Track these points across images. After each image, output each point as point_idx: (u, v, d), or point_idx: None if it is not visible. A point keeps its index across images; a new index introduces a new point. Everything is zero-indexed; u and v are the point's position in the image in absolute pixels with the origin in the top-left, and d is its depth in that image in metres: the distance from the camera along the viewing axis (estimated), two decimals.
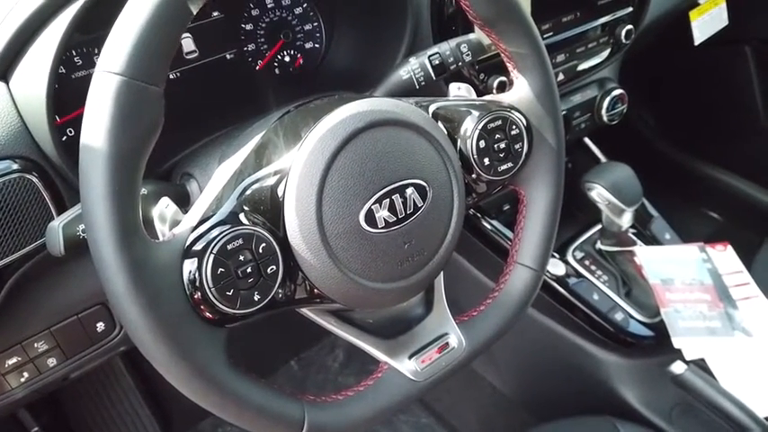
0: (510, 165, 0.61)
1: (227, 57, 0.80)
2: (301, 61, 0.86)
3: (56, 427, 1.10)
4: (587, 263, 0.98)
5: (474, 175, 0.60)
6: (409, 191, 0.52)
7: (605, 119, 1.00)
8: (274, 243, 0.48)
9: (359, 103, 0.52)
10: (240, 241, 0.47)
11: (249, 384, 0.48)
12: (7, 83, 0.57)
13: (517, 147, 0.61)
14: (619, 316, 0.93)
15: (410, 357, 0.57)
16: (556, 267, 0.96)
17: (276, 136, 0.54)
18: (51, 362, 0.65)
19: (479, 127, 0.59)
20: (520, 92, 0.62)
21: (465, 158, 0.59)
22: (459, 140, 0.59)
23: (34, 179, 0.54)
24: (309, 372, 1.44)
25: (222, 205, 0.48)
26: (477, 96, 0.64)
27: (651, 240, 1.03)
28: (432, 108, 0.59)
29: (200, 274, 0.45)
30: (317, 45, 0.87)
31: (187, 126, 0.65)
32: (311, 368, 1.45)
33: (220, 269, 0.46)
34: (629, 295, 0.96)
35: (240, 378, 0.48)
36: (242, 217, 0.48)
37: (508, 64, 0.62)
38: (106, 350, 0.70)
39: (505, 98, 0.62)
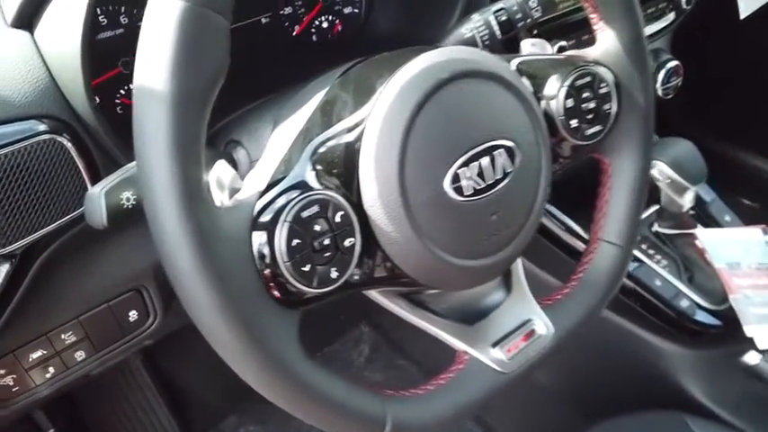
0: (599, 128, 0.54)
1: (263, 21, 0.73)
2: (340, 27, 0.80)
3: (72, 429, 1.03)
4: (644, 247, 0.92)
5: (558, 140, 0.53)
6: (498, 153, 0.45)
7: (660, 92, 0.93)
8: (351, 211, 0.42)
9: (440, 51, 0.46)
10: (316, 208, 0.40)
11: (326, 377, 0.42)
12: (32, 33, 0.50)
13: (606, 108, 0.54)
14: (684, 303, 0.86)
15: (493, 346, 0.51)
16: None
17: (344, 91, 0.47)
18: (79, 355, 0.59)
19: (567, 84, 0.52)
20: (606, 45, 0.55)
21: (549, 120, 0.52)
22: (542, 100, 0.53)
23: (66, 142, 0.47)
24: (333, 368, 1.37)
25: (292, 167, 0.42)
26: None
27: (710, 222, 0.96)
28: (514, 63, 0.53)
29: (271, 247, 0.39)
30: (356, 10, 0.80)
31: (225, 92, 0.58)
32: (335, 364, 1.38)
33: (295, 240, 0.39)
34: (691, 281, 0.90)
35: (316, 370, 0.41)
36: (313, 180, 0.42)
37: (592, 16, 0.55)
38: (136, 342, 0.63)
39: (590, 53, 0.56)
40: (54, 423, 0.94)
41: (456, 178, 0.44)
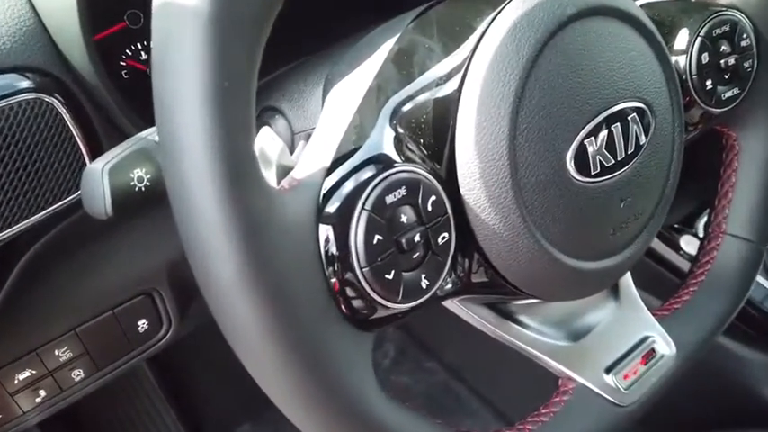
0: (736, 91, 0.43)
1: None
2: None
3: None
4: None
5: (685, 106, 0.42)
6: (632, 119, 0.34)
7: None
8: (444, 195, 0.30)
9: None
10: (403, 191, 0.29)
11: (410, 420, 0.31)
12: None
13: (747, 66, 0.43)
14: None
15: (607, 372, 0.40)
16: (689, 245, 0.78)
17: (425, 35, 0.36)
18: (77, 374, 0.48)
19: (702, 33, 0.41)
20: None
21: (679, 78, 0.41)
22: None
23: (57, 104, 0.35)
24: None
25: (367, 135, 0.30)
26: None
27: None
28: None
29: (343, 246, 0.27)
30: None
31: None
32: None
33: (377, 236, 0.28)
34: None
35: (400, 411, 0.30)
36: (393, 152, 0.30)
37: None
38: (146, 356, 0.53)
39: None
40: None
41: (581, 152, 0.33)
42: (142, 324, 0.50)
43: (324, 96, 0.39)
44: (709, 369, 0.83)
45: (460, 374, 1.21)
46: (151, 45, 0.24)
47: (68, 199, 0.37)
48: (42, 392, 0.47)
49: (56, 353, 0.46)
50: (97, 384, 0.51)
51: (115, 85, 0.39)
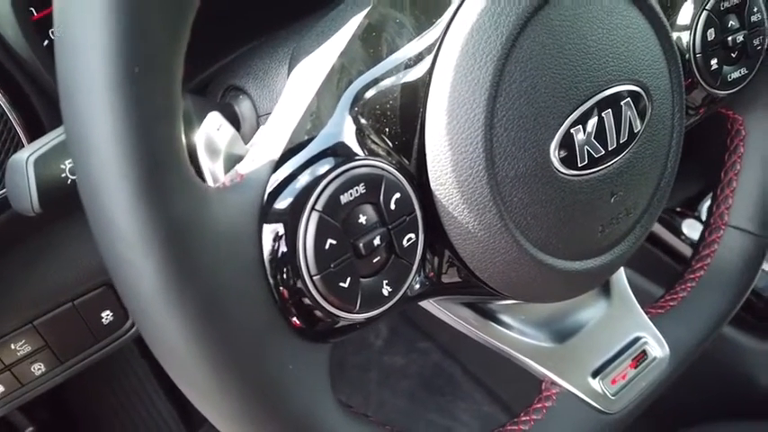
0: (744, 71, 0.39)
1: None
2: None
3: (56, 424, 0.91)
4: None
5: (687, 87, 0.38)
6: (625, 104, 0.31)
7: None
8: (411, 191, 0.27)
9: None
10: (361, 188, 0.26)
11: None
12: None
13: (756, 43, 0.39)
14: None
15: (594, 376, 0.37)
16: (691, 229, 0.75)
17: (395, 8, 0.32)
18: (38, 368, 0.46)
19: (708, 7, 0.37)
20: None
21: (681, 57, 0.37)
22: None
23: None
24: (347, 351, 1.25)
25: (323, 123, 0.27)
26: None
27: None
28: None
29: (292, 251, 0.24)
30: None
31: (224, 23, 0.43)
32: (349, 347, 1.26)
33: (330, 241, 0.25)
34: None
35: (368, 429, 0.28)
36: (354, 143, 0.27)
37: None
38: (114, 347, 0.50)
39: None
40: (33, 420, 0.82)
41: (567, 141, 0.29)
42: (106, 316, 0.47)
43: (289, 75, 0.36)
44: (706, 357, 0.80)
45: (454, 355, 1.19)
46: (53, 20, 0.20)
47: (3, 191, 0.34)
48: (1, 388, 0.44)
49: (12, 347, 0.43)
50: (63, 377, 0.48)
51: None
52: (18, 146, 0.34)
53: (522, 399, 1.10)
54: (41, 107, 0.36)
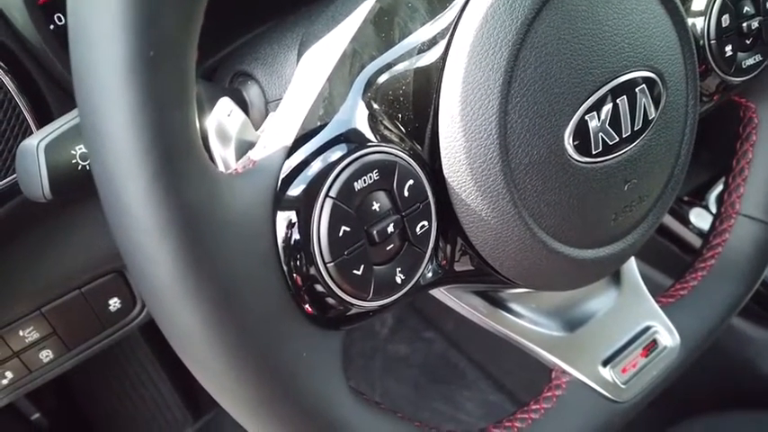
0: (758, 58, 0.39)
1: None
2: None
3: (62, 411, 0.91)
4: None
5: (701, 74, 0.38)
6: (640, 90, 0.30)
7: None
8: (423, 178, 0.27)
9: None
10: (375, 175, 0.25)
11: (383, 423, 0.28)
12: None
13: None
14: None
15: (604, 365, 0.37)
16: (699, 218, 0.74)
17: None
18: (46, 355, 0.46)
19: None
20: None
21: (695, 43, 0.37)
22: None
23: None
24: (354, 339, 1.26)
25: (336, 109, 0.27)
26: None
27: None
28: None
29: (305, 238, 0.24)
30: None
31: (232, 8, 0.42)
32: (355, 334, 1.26)
33: (344, 228, 0.24)
34: None
35: (372, 415, 0.27)
36: (367, 129, 0.27)
37: None
38: (121, 335, 0.50)
39: None
40: (39, 407, 0.83)
41: (581, 128, 0.29)
42: (114, 303, 0.47)
43: (298, 61, 0.36)
44: (713, 346, 0.80)
45: (459, 345, 1.19)
46: (66, 7, 0.20)
47: (11, 178, 0.34)
48: (9, 374, 0.45)
49: (20, 333, 0.43)
50: (70, 364, 0.48)
51: (63, 48, 0.35)
52: (27, 131, 0.34)
53: (527, 387, 1.10)
54: (49, 92, 0.35)
